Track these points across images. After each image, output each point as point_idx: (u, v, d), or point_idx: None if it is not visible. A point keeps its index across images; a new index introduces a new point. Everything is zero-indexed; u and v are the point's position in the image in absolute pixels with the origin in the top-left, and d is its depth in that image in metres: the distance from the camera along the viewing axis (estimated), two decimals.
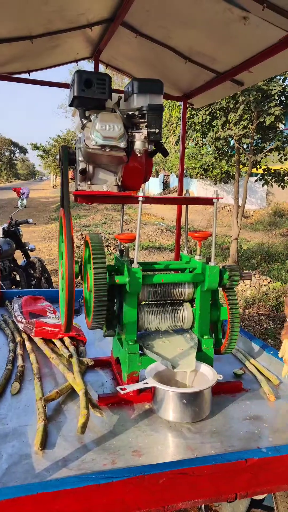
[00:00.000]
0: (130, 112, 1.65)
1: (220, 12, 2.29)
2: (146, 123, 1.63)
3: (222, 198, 1.71)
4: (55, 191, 35.30)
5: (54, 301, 2.45)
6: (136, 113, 1.64)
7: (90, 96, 1.58)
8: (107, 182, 1.72)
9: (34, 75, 3.52)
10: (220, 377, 1.52)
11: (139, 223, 1.55)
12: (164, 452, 1.29)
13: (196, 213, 14.12)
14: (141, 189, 1.62)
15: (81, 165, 1.68)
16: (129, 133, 1.63)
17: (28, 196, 5.65)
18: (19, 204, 5.82)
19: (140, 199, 1.52)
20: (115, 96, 1.67)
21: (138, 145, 1.64)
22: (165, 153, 1.77)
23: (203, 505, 2.13)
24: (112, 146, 1.59)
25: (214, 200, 1.65)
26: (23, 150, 76.65)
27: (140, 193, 1.53)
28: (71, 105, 1.67)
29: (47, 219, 16.01)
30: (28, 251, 5.48)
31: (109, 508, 1.05)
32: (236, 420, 1.48)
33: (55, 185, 45.13)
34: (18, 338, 2.03)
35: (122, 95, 1.73)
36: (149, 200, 1.60)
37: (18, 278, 5.09)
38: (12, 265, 5.06)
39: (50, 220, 15.62)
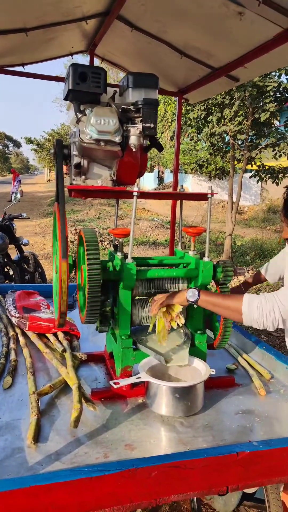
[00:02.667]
0: (125, 107, 1.64)
1: (216, 7, 2.28)
2: (141, 118, 1.62)
3: (217, 193, 1.70)
4: (49, 186, 35.08)
5: (48, 295, 2.45)
6: (131, 107, 1.63)
7: (85, 90, 1.57)
8: (101, 177, 1.71)
9: (28, 68, 3.50)
10: (213, 371, 1.53)
11: (134, 218, 1.55)
12: (156, 445, 1.30)
13: (190, 209, 14.12)
14: (136, 184, 1.61)
15: (75, 160, 1.67)
16: (124, 128, 1.62)
17: (20, 186, 5.63)
18: (12, 198, 5.80)
19: (135, 194, 1.51)
20: (110, 90, 1.66)
21: (133, 140, 1.64)
22: (159, 148, 1.77)
23: (195, 498, 2.15)
24: (107, 141, 1.58)
25: (209, 195, 1.65)
26: (17, 144, 76.05)
27: (135, 188, 1.52)
28: (66, 98, 1.66)
29: (41, 214, 15.92)
30: (22, 245, 5.46)
31: (102, 501, 1.05)
32: (228, 414, 1.49)
33: (49, 180, 44.83)
34: (11, 333, 2.03)
35: (117, 89, 1.72)
36: (144, 195, 1.60)
37: (11, 272, 5.07)
38: (5, 260, 5.04)
39: (44, 215, 15.54)
